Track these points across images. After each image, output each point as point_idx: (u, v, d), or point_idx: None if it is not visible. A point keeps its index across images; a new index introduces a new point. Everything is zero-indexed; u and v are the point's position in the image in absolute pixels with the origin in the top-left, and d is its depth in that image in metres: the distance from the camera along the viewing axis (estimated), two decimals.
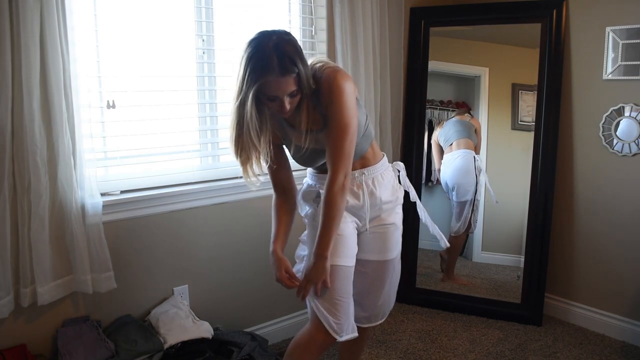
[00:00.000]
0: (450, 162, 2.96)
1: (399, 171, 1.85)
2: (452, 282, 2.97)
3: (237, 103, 1.50)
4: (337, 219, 1.57)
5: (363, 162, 1.72)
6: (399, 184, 1.82)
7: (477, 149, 2.91)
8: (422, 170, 2.97)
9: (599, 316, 2.68)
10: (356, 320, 1.76)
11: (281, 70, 1.42)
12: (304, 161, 1.71)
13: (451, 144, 2.94)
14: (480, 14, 2.81)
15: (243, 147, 1.55)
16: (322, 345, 1.66)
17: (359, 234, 1.76)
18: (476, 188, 2.92)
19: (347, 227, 1.69)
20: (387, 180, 1.76)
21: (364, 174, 1.71)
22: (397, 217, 1.80)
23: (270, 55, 1.43)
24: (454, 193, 2.96)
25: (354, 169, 1.67)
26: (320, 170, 1.74)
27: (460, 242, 3.01)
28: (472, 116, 2.93)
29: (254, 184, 1.65)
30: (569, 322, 2.79)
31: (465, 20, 2.86)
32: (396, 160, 2.84)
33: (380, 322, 1.89)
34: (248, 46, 1.49)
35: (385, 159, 1.80)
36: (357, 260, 1.73)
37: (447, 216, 3.00)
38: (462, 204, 2.94)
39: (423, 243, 3.01)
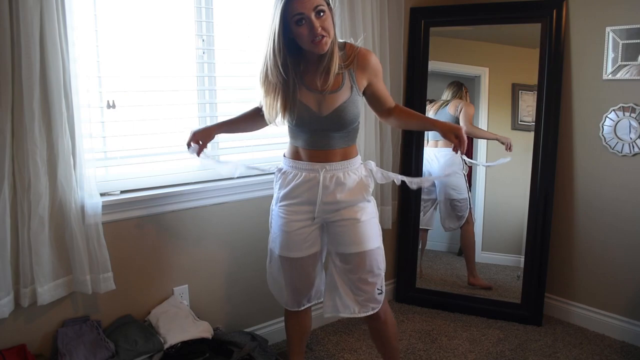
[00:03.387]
0: (434, 157, 2.94)
1: (371, 170, 1.87)
2: (476, 284, 2.92)
3: (268, 39, 1.64)
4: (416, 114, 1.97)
5: (344, 154, 1.80)
6: (366, 183, 1.84)
7: None
8: (422, 170, 2.96)
9: (599, 316, 2.68)
10: (351, 310, 1.87)
11: None
12: (303, 125, 1.76)
13: (438, 141, 2.94)
14: (480, 14, 2.80)
15: (268, 78, 1.69)
16: (285, 312, 2.06)
17: (329, 228, 1.85)
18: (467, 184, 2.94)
19: (293, 225, 1.83)
20: (350, 180, 1.80)
21: (325, 168, 1.78)
22: (360, 212, 1.81)
23: None
24: (452, 191, 2.94)
25: (318, 160, 1.78)
26: (314, 146, 1.79)
27: (471, 235, 2.97)
28: (466, 100, 2.90)
29: (272, 121, 1.78)
30: (569, 322, 2.79)
31: (465, 20, 2.86)
32: (395, 160, 2.86)
33: (372, 312, 1.87)
34: None
35: (356, 158, 1.85)
36: (340, 254, 1.85)
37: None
38: (463, 201, 2.93)
39: None
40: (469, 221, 2.94)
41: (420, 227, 3.00)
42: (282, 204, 1.86)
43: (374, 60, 1.79)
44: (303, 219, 1.83)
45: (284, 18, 1.58)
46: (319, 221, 1.85)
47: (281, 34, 1.60)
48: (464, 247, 2.99)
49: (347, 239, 1.81)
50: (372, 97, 1.86)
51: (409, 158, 2.93)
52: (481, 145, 2.94)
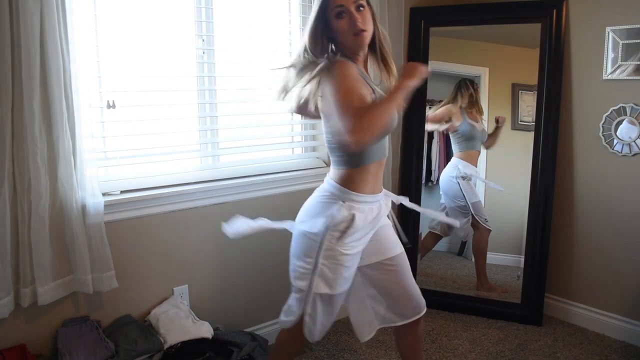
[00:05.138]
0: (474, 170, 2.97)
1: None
2: (489, 291, 2.90)
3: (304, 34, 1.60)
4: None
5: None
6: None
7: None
8: (422, 170, 2.96)
9: (599, 316, 2.68)
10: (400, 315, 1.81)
11: None
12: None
13: (478, 151, 2.94)
14: (480, 14, 2.80)
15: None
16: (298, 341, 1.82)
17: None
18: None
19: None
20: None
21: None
22: (388, 219, 1.82)
23: None
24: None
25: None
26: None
27: (484, 242, 2.96)
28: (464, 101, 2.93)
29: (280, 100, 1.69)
30: (569, 322, 2.79)
31: (465, 20, 2.86)
32: (396, 160, 2.85)
33: (416, 317, 1.82)
34: None
35: None
36: (378, 265, 1.77)
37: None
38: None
39: None
40: (481, 228, 2.94)
41: (442, 233, 3.02)
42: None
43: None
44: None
45: (324, 13, 1.58)
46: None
47: (319, 27, 1.58)
48: (476, 255, 2.98)
49: (388, 243, 1.78)
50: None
51: (410, 157, 2.94)
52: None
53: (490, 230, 2.91)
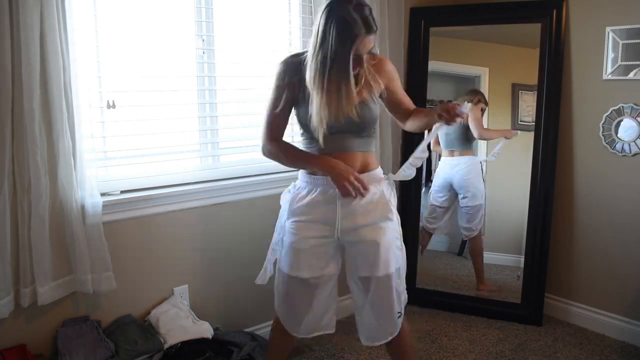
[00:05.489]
0: (453, 167, 2.95)
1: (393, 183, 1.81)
2: (486, 289, 2.89)
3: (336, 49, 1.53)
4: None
5: (363, 161, 1.74)
6: (388, 200, 1.74)
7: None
8: (422, 171, 2.96)
9: (599, 316, 2.68)
10: (366, 337, 1.84)
11: (369, 29, 1.55)
12: (333, 132, 1.66)
13: (453, 150, 2.93)
14: (480, 14, 2.80)
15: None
16: (277, 327, 1.94)
17: (345, 249, 1.76)
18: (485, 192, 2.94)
19: (306, 242, 1.72)
20: (370, 197, 1.70)
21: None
22: (379, 233, 1.69)
23: (359, 16, 1.53)
24: (465, 198, 2.94)
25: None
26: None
27: (480, 244, 2.96)
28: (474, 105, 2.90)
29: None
30: (569, 322, 2.79)
31: (465, 20, 2.86)
32: (395, 160, 2.85)
33: (383, 342, 1.81)
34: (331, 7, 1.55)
35: (377, 170, 1.78)
36: (357, 278, 1.75)
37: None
38: (475, 207, 2.92)
39: None
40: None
41: (427, 230, 3.01)
42: (294, 219, 1.74)
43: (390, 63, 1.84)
44: (313, 242, 1.73)
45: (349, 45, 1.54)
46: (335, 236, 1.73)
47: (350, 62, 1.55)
48: (473, 256, 2.98)
49: (365, 261, 1.70)
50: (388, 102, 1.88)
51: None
52: (482, 146, 2.94)
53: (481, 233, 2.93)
